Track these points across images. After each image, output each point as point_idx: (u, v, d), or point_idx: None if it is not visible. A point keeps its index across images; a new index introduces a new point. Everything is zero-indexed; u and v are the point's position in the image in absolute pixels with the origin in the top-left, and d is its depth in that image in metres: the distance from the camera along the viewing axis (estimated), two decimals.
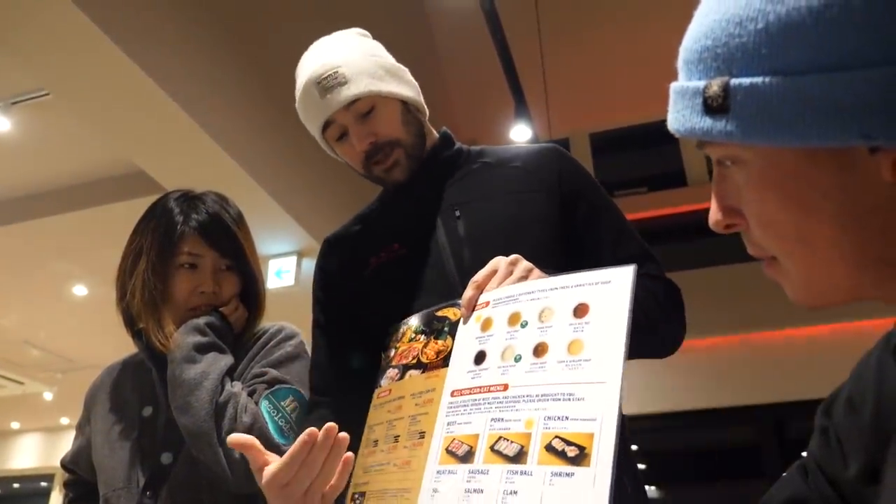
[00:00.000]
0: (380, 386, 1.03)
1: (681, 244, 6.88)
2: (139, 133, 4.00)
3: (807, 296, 0.56)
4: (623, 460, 1.09)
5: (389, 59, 1.21)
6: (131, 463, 1.24)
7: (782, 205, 0.52)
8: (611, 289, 0.80)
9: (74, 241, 6.31)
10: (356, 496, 0.93)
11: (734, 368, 6.37)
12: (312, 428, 0.79)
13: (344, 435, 0.81)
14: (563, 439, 0.72)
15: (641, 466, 6.80)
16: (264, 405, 1.18)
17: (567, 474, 0.70)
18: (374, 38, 1.27)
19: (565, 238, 1.13)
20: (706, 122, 0.51)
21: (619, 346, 0.75)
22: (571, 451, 0.71)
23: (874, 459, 0.63)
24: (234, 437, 0.83)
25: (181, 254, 1.28)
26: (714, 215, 0.59)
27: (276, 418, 1.18)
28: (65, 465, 1.46)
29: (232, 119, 4.24)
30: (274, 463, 0.82)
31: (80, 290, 7.64)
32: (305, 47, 1.24)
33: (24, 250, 6.64)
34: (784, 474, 0.78)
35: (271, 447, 1.13)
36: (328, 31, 1.28)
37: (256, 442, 0.83)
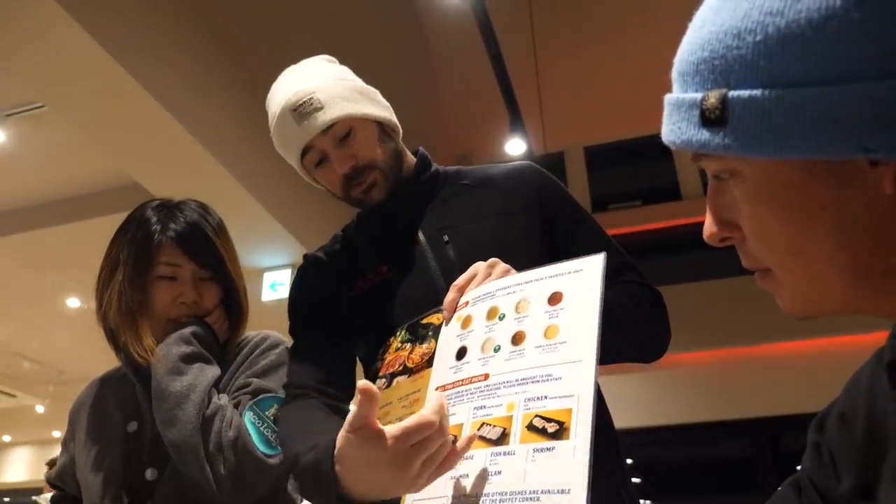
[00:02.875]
0: None
1: (675, 257, 6.90)
2: (134, 145, 4.00)
3: (800, 307, 0.56)
4: (608, 437, 1.10)
5: (359, 82, 1.22)
6: (115, 479, 1.22)
7: (780, 218, 0.51)
8: (582, 276, 0.83)
9: (68, 253, 6.29)
10: None
11: (729, 382, 6.37)
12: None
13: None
14: (543, 417, 0.75)
15: (637, 480, 6.77)
16: (248, 416, 1.17)
17: (548, 449, 0.72)
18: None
19: (550, 253, 1.14)
20: (703, 135, 0.50)
21: (592, 326, 0.77)
22: (551, 428, 0.73)
23: (867, 475, 0.63)
24: (363, 383, 0.74)
25: (159, 264, 1.26)
26: (709, 228, 0.58)
27: (261, 428, 1.16)
28: (50, 481, 1.43)
29: (227, 131, 4.25)
30: (398, 424, 0.74)
31: (73, 303, 7.61)
32: (302, 60, 1.24)
33: (18, 262, 6.62)
34: (778, 489, 0.77)
35: (255, 460, 1.12)
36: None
37: (378, 396, 0.75)
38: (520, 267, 0.96)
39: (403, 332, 1.05)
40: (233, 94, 4.38)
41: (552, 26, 5.90)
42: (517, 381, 0.80)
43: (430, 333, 0.99)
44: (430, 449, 0.75)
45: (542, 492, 0.70)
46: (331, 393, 1.12)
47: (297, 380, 1.15)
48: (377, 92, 1.24)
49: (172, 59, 3.81)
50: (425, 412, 0.75)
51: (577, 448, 0.70)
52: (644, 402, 6.23)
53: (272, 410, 1.19)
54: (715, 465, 7.14)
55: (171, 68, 3.78)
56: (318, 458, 0.84)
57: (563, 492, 0.68)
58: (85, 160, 5.54)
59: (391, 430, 0.74)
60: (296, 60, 1.24)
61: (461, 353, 0.90)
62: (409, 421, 0.74)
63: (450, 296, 0.97)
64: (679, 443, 6.94)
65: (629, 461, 6.62)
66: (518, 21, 5.59)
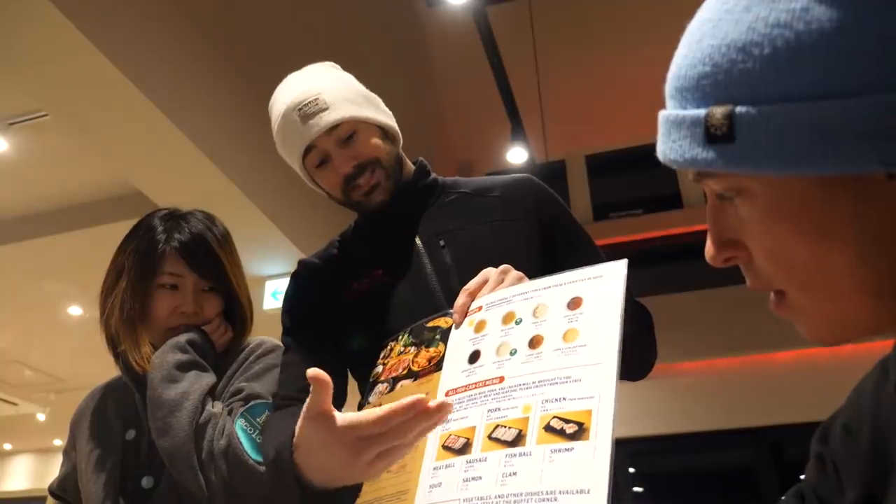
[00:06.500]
0: (368, 403, 1.02)
1: (677, 266, 6.90)
2: (137, 154, 4.01)
3: (826, 331, 0.53)
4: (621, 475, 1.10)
5: (364, 88, 1.23)
6: (113, 488, 1.21)
7: (796, 236, 0.49)
8: (603, 282, 0.83)
9: (70, 261, 6.28)
10: None
11: (731, 391, 6.35)
12: (422, 396, 0.72)
13: (448, 411, 0.75)
14: (561, 418, 0.74)
15: (639, 489, 6.75)
16: (239, 423, 1.16)
17: (567, 450, 0.71)
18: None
19: (547, 263, 1.14)
20: (709, 153, 0.48)
21: (614, 330, 0.77)
22: (570, 428, 0.72)
23: (872, 488, 0.62)
24: (312, 371, 0.75)
25: (162, 274, 1.26)
26: (711, 250, 0.56)
27: (252, 435, 1.15)
28: (52, 491, 1.43)
29: (230, 141, 4.26)
30: (355, 414, 0.76)
31: (74, 311, 7.60)
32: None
33: (20, 270, 6.62)
34: (781, 500, 0.77)
35: (245, 467, 1.10)
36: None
37: (329, 382, 0.76)
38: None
39: (406, 336, 1.04)
40: (236, 103, 4.39)
41: (553, 36, 5.92)
42: (534, 383, 0.79)
43: (437, 337, 0.98)
44: (382, 445, 0.75)
45: (560, 492, 0.69)
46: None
47: (283, 391, 1.15)
48: (380, 100, 1.25)
49: (175, 68, 3.83)
50: (378, 413, 0.73)
51: (598, 448, 0.69)
52: (645, 411, 6.20)
53: (264, 417, 1.18)
54: (716, 474, 7.11)
55: (175, 78, 3.79)
56: (278, 449, 0.87)
57: (582, 492, 0.67)
58: (88, 169, 5.55)
59: (342, 419, 0.75)
60: (298, 70, 1.25)
61: (474, 357, 0.89)
62: (361, 416, 0.74)
63: (461, 300, 0.96)
64: (680, 452, 6.91)
65: (631, 470, 6.60)
66: (519, 31, 5.61)
